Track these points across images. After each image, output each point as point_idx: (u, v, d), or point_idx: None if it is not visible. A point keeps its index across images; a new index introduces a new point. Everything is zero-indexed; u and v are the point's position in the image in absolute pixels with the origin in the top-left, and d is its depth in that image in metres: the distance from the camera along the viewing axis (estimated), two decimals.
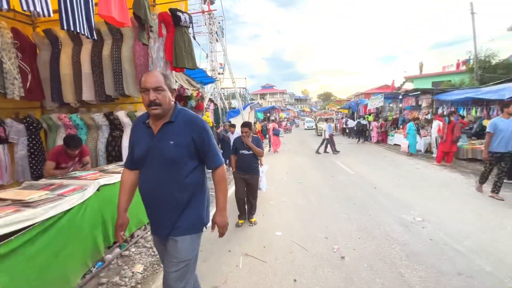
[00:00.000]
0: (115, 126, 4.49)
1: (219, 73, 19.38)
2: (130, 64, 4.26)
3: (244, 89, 23.86)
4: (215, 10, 15.18)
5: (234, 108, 17.73)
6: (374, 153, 11.82)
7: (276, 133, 13.82)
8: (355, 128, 18.21)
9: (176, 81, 5.97)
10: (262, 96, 76.05)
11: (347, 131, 20.95)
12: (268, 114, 36.24)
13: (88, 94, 4.36)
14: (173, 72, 5.27)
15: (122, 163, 3.93)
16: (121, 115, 4.35)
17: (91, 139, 4.51)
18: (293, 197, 5.58)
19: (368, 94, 44.57)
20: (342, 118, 24.58)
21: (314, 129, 26.05)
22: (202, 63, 16.76)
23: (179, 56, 4.25)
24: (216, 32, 15.20)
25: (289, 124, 27.88)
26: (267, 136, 20.76)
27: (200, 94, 8.08)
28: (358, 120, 18.74)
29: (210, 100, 15.00)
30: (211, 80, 8.80)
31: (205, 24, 14.88)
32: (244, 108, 16.74)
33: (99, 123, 4.45)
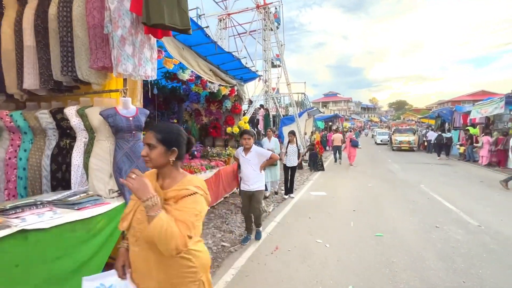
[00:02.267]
0: (63, 131, 2.79)
1: (274, 65, 17.35)
2: (83, 27, 2.51)
3: (303, 95, 21.30)
4: (271, 3, 13.38)
5: (290, 115, 15.42)
6: (490, 182, 7.78)
7: (355, 144, 11.94)
8: (435, 142, 15.36)
9: (191, 69, 4.11)
10: (324, 104, 71.49)
11: (425, 144, 16.57)
12: (330, 123, 32.66)
13: (30, 79, 2.79)
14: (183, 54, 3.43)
15: (72, 192, 2.28)
16: (69, 113, 2.62)
17: (35, 151, 2.91)
18: (372, 282, 2.91)
19: (456, 101, 35.98)
20: (426, 130, 19.52)
21: (388, 143, 21.50)
22: (257, 61, 15.13)
23: (154, 5, 2.26)
24: (271, 28, 13.31)
25: (354, 135, 23.54)
26: (328, 148, 17.67)
27: (236, 93, 6.11)
28: (439, 132, 15.85)
29: (261, 106, 13.10)
30: (253, 76, 6.79)
31: (262, 19, 13.18)
32: (300, 115, 14.28)
33: (44, 125, 2.82)
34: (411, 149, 17.75)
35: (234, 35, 14.79)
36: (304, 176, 9.31)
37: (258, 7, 13.17)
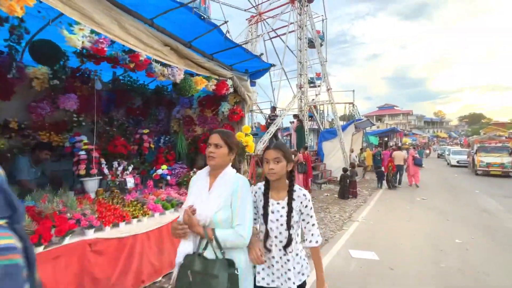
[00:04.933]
0: None
1: (313, 85, 15.09)
2: None
3: (352, 105, 18.19)
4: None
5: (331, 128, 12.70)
6: None
7: (419, 163, 10.62)
8: None
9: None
10: (379, 118, 64.49)
11: None
12: (386, 139, 28.04)
13: None
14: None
15: None
16: None
17: None
18: None
19: None
20: None
21: (467, 164, 16.63)
22: (291, 72, 13.06)
23: None
24: (311, 39, 11.14)
25: (417, 154, 18.46)
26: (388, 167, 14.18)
27: (232, 89, 4.09)
28: None
29: (295, 116, 10.79)
30: (264, 66, 4.64)
31: (297, 16, 11.14)
32: (344, 128, 11.46)
33: None
34: (505, 174, 12.97)
35: (264, 33, 13.00)
36: (346, 211, 6.57)
37: (292, 1, 11.19)
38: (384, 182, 10.39)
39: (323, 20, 13.75)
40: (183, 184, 4.24)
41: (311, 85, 15.52)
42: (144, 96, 5.00)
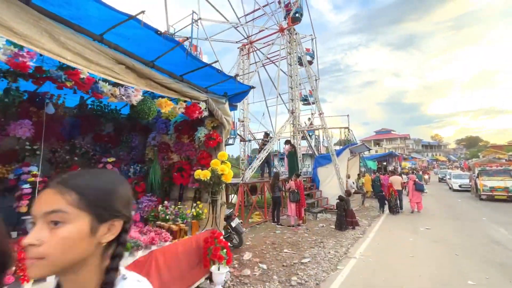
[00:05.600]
0: None
1: (306, 102, 15.00)
2: None
3: (347, 130, 17.99)
4: (297, 23, 11.49)
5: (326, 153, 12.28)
6: None
7: (420, 189, 10.21)
8: None
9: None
10: (377, 142, 64.65)
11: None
12: (385, 163, 27.59)
13: None
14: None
15: None
16: None
17: None
18: None
19: None
20: None
21: (469, 189, 16.00)
22: (285, 94, 12.97)
23: None
24: (300, 58, 11.24)
25: (417, 178, 17.60)
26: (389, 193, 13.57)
27: (205, 112, 3.74)
28: None
29: (287, 142, 10.43)
30: (245, 88, 4.34)
31: (287, 44, 11.28)
32: (339, 153, 11.05)
33: None
34: (511, 199, 12.33)
35: (256, 62, 13.10)
36: (343, 245, 5.91)
37: (282, 30, 11.41)
38: (387, 207, 9.96)
39: (312, 39, 14.02)
40: (149, 220, 3.70)
41: (305, 102, 15.45)
42: (116, 122, 4.63)
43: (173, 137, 4.76)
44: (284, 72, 11.48)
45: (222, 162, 3.87)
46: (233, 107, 4.86)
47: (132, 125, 4.81)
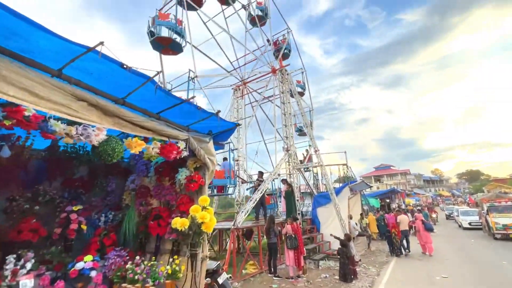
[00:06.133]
0: None
1: (302, 133, 14.86)
2: None
3: (345, 167, 17.61)
4: (288, 65, 11.94)
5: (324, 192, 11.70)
6: None
7: (429, 228, 9.71)
8: None
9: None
10: (378, 178, 63.76)
11: None
12: (388, 200, 26.60)
13: None
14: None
15: None
16: None
17: None
18: None
19: None
20: None
21: (481, 227, 15.04)
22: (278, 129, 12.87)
23: None
24: (291, 91, 11.44)
25: (423, 216, 16.42)
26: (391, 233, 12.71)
27: (184, 152, 3.41)
28: None
29: (284, 181, 9.96)
30: (230, 125, 4.08)
31: (280, 82, 11.54)
32: (338, 192, 10.50)
33: None
34: None
35: (251, 102, 13.29)
36: None
37: (274, 71, 11.77)
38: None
39: (302, 72, 14.48)
40: (114, 281, 3.10)
41: (300, 133, 15.28)
42: (91, 164, 4.26)
43: (153, 179, 4.34)
44: (279, 106, 11.53)
45: (203, 208, 3.42)
46: (219, 146, 4.56)
47: (110, 167, 4.43)
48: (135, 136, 2.98)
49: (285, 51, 12.47)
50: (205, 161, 3.80)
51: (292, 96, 11.43)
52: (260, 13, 12.10)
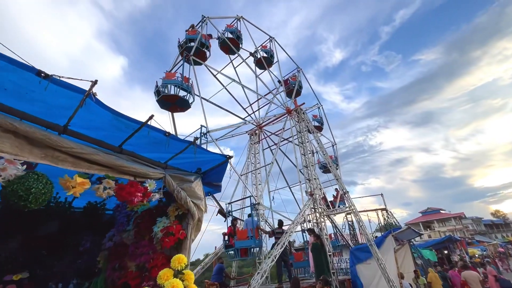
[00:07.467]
0: None
1: (326, 170, 13.39)
2: None
3: (385, 211, 15.47)
4: (303, 103, 11.45)
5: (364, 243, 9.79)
6: None
7: (508, 286, 7.59)
8: None
9: None
10: (427, 225, 55.50)
11: None
12: (447, 252, 22.15)
13: None
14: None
15: None
16: None
17: None
18: None
19: None
20: None
21: None
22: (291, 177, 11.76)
23: None
24: (308, 128, 10.69)
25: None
26: None
27: (160, 194, 2.63)
28: None
29: (310, 231, 8.48)
30: (221, 159, 3.31)
31: (296, 122, 10.95)
32: (380, 243, 8.60)
33: None
34: None
35: (270, 146, 12.63)
36: None
37: (289, 111, 11.32)
38: None
39: (318, 107, 13.90)
40: None
41: (324, 169, 13.77)
42: (63, 219, 3.60)
43: (131, 234, 3.51)
44: (297, 145, 10.68)
45: (179, 271, 2.44)
46: (213, 189, 3.71)
47: (87, 222, 3.73)
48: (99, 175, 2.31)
49: (297, 87, 12.28)
50: (187, 205, 2.95)
51: (310, 132, 10.67)
52: (265, 55, 12.32)
